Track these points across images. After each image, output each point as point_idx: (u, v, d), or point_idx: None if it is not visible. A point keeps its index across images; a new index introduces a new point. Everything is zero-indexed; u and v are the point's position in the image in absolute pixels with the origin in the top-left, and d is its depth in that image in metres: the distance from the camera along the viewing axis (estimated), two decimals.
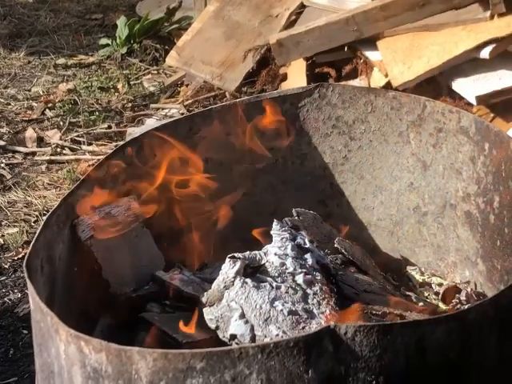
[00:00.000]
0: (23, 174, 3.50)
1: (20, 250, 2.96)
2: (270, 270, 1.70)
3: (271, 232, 1.80)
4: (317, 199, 2.20)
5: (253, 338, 1.57)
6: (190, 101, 3.96)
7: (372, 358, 1.28)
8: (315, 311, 1.61)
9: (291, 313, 1.59)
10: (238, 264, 1.68)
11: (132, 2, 5.42)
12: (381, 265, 2.04)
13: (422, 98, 2.07)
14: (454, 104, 2.88)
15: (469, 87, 3.00)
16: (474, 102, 2.96)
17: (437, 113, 2.03)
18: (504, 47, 3.05)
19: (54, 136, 3.79)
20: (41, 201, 3.24)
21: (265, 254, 1.74)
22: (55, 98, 4.16)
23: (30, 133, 3.83)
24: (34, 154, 3.67)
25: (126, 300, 1.82)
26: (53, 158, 3.61)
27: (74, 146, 3.69)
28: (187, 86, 4.14)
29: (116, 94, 4.22)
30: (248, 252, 1.73)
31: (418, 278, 2.10)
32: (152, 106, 4.06)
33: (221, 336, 1.62)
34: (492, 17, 3.08)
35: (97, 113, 3.98)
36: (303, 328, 1.57)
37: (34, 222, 3.12)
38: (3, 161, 3.60)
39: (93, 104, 4.09)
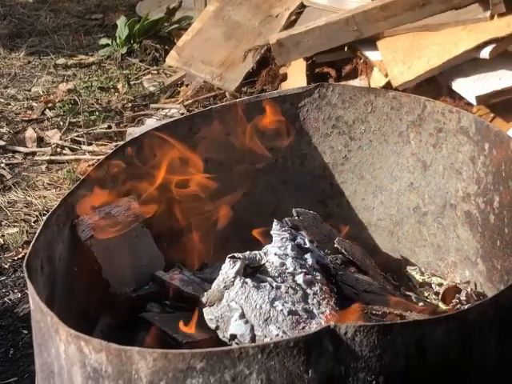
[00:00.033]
0: (23, 174, 3.50)
1: (20, 249, 2.95)
2: (270, 270, 1.70)
3: (271, 232, 1.80)
4: (317, 199, 2.20)
5: (253, 338, 1.57)
6: (190, 101, 3.96)
7: (372, 358, 1.28)
8: (315, 311, 1.61)
9: (291, 313, 1.59)
10: (238, 264, 1.68)
11: (132, 1, 5.41)
12: (381, 265, 2.04)
13: (421, 98, 2.07)
14: (453, 104, 2.88)
15: (469, 87, 3.00)
16: (474, 102, 2.96)
17: (437, 113, 2.03)
18: (504, 47, 3.05)
19: (53, 136, 3.78)
20: (41, 201, 3.24)
21: (265, 253, 1.74)
22: (55, 98, 4.16)
23: (29, 133, 3.83)
24: (34, 154, 3.67)
25: (126, 300, 1.82)
26: (53, 157, 3.61)
27: (74, 146, 3.69)
28: (187, 86, 4.14)
29: (116, 94, 4.22)
30: (248, 252, 1.73)
31: (418, 278, 2.10)
32: (152, 105, 4.06)
33: (221, 336, 1.61)
34: (492, 17, 3.08)
35: (97, 113, 3.98)
36: (303, 328, 1.57)
37: (34, 222, 3.11)
38: (3, 161, 3.60)
39: (93, 104, 4.09)
